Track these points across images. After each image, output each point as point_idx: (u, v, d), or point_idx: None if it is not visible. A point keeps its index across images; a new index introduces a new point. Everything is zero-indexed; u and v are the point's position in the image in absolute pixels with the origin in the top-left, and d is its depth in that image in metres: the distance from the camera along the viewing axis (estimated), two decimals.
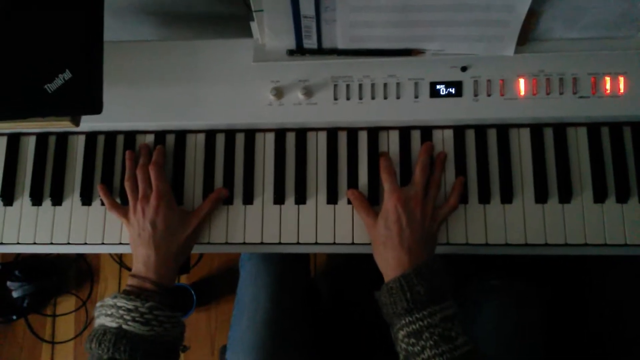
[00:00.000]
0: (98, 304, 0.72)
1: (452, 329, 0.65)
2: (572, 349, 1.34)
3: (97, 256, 1.59)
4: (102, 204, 0.82)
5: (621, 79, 0.74)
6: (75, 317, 1.58)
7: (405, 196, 0.73)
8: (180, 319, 0.74)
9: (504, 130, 0.79)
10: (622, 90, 0.74)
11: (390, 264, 0.71)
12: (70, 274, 1.59)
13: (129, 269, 1.56)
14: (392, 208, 0.73)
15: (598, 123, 0.78)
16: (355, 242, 0.79)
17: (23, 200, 0.84)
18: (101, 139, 0.84)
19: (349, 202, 0.79)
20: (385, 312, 0.70)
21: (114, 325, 0.68)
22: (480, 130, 0.79)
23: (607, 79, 0.75)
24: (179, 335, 0.74)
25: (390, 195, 0.74)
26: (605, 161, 0.77)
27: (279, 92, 0.78)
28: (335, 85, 0.78)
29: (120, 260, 1.57)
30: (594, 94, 0.75)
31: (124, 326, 0.68)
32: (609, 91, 0.75)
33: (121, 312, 0.69)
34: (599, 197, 0.76)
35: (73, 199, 0.83)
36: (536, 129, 0.78)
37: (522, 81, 0.76)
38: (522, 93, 0.76)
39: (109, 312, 0.69)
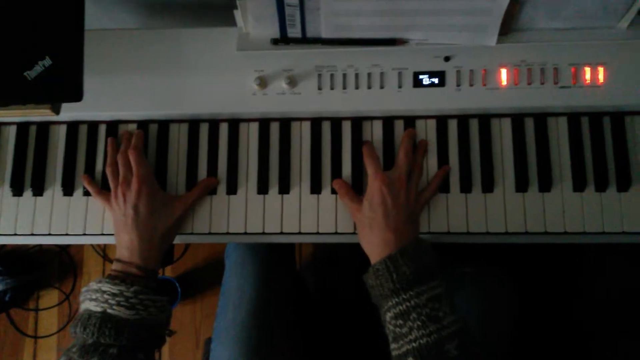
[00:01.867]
0: (84, 289, 0.72)
1: (440, 308, 0.64)
2: (544, 337, 1.36)
3: (80, 249, 1.57)
4: (84, 194, 0.81)
5: (600, 70, 0.75)
6: (58, 311, 1.56)
7: (390, 178, 0.74)
8: (166, 303, 0.74)
9: (485, 120, 0.80)
10: (601, 81, 0.76)
11: (376, 245, 0.71)
12: (53, 268, 1.57)
13: (113, 262, 1.55)
14: (377, 190, 0.73)
15: (578, 113, 0.79)
16: (338, 231, 0.79)
17: (3, 191, 0.83)
18: (83, 129, 0.83)
19: (333, 192, 0.79)
20: (373, 295, 0.70)
21: (98, 309, 0.68)
22: (463, 120, 0.80)
23: (587, 69, 0.76)
24: (164, 319, 0.74)
25: (375, 177, 0.74)
26: (584, 151, 0.78)
27: (262, 82, 0.78)
28: (320, 75, 0.78)
29: (104, 253, 1.56)
30: (574, 84, 0.76)
31: (109, 310, 0.68)
32: (588, 81, 0.76)
33: (106, 296, 0.68)
34: (579, 186, 0.77)
35: (54, 189, 0.82)
36: (517, 119, 0.79)
37: (504, 71, 0.77)
38: (504, 83, 0.77)
39: (94, 296, 0.69)
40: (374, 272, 0.69)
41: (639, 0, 0.69)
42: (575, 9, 0.71)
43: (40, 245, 1.55)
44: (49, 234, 0.81)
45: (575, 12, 0.72)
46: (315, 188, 0.79)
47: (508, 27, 0.74)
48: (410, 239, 0.71)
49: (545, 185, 0.77)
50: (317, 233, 0.79)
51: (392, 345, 0.66)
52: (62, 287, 1.56)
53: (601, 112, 0.78)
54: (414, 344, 0.63)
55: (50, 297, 1.57)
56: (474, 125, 0.80)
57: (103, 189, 0.81)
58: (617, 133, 0.78)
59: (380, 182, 0.73)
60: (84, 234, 0.81)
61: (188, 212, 0.80)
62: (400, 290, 0.66)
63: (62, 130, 0.84)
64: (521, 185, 0.77)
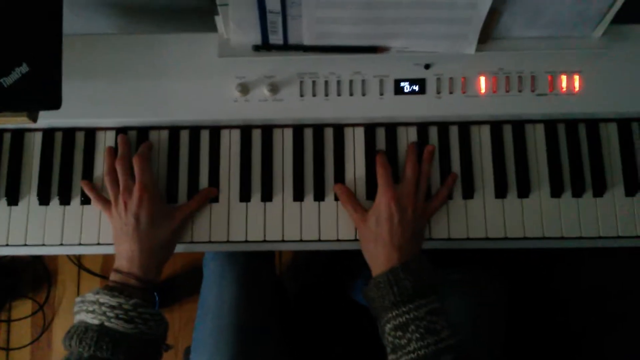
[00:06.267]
0: (78, 299, 0.70)
1: (437, 322, 0.66)
2: (534, 339, 1.38)
3: (54, 258, 1.53)
4: (61, 203, 0.80)
5: (576, 78, 0.77)
6: (31, 321, 1.52)
7: (399, 194, 0.74)
8: (164, 316, 0.73)
9: (465, 127, 0.81)
10: (577, 89, 0.77)
11: (379, 260, 0.72)
12: (26, 277, 1.53)
13: (88, 271, 1.52)
14: (385, 205, 0.73)
15: (555, 120, 0.80)
16: (322, 239, 0.79)
17: None
18: (59, 136, 0.82)
19: (315, 199, 0.79)
20: (373, 306, 0.71)
21: (95, 322, 0.66)
22: (443, 127, 0.81)
23: (564, 77, 0.77)
24: (162, 333, 0.73)
25: (384, 192, 0.74)
26: (561, 157, 0.80)
27: (244, 88, 0.77)
28: (301, 82, 0.78)
29: (79, 262, 1.52)
30: (551, 92, 0.78)
31: (107, 323, 0.66)
32: (565, 89, 0.77)
33: (104, 308, 0.66)
34: (556, 192, 0.79)
35: (30, 199, 0.80)
36: (496, 126, 0.80)
37: (482, 79, 0.78)
38: (483, 91, 0.78)
39: (91, 308, 0.67)
40: (376, 284, 0.70)
41: (613, 8, 0.71)
42: (551, 18, 0.73)
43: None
44: (25, 245, 0.79)
45: (552, 21, 0.73)
46: (298, 195, 0.79)
47: (487, 35, 0.75)
48: (412, 254, 0.72)
49: (524, 191, 0.78)
50: (301, 241, 0.79)
51: (391, 357, 0.67)
52: (36, 297, 1.52)
53: (577, 119, 0.80)
54: (412, 355, 0.64)
55: (23, 308, 1.52)
56: (453, 132, 0.81)
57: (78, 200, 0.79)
58: (592, 140, 0.80)
59: (389, 198, 0.73)
60: (61, 244, 0.79)
61: (187, 223, 0.79)
62: (401, 303, 0.67)
63: (38, 137, 0.82)
64: (500, 191, 0.79)
